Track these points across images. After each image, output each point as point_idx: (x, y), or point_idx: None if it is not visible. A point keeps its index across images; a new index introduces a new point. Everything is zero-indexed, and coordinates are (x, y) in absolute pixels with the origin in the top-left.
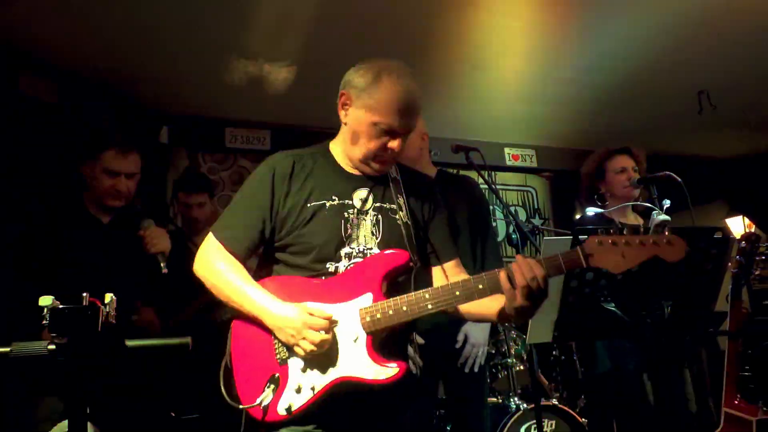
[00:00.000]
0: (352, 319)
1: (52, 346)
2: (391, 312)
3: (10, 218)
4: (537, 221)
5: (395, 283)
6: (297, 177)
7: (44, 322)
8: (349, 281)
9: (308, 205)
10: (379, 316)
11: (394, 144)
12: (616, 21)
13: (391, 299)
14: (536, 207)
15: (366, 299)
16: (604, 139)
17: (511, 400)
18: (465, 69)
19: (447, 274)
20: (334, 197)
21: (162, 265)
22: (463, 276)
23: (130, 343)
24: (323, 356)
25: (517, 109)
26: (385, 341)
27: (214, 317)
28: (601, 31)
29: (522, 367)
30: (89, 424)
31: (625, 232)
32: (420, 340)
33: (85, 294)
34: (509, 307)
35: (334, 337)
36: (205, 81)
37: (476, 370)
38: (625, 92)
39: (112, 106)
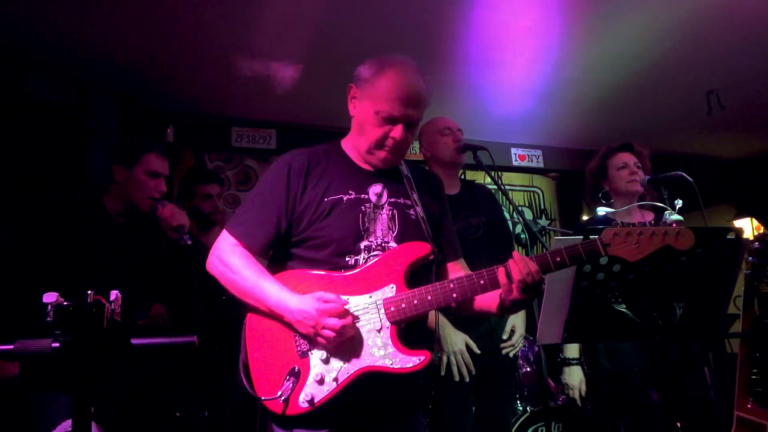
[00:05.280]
0: (376, 310)
1: (56, 344)
2: (416, 301)
3: (15, 217)
4: (543, 222)
5: (415, 276)
6: (312, 173)
7: (48, 319)
8: (372, 273)
9: (325, 199)
10: (404, 305)
11: (396, 133)
12: (624, 20)
13: (415, 289)
14: (542, 207)
15: (390, 290)
16: (611, 140)
17: (518, 402)
18: (472, 68)
19: (452, 272)
20: (350, 191)
21: (185, 237)
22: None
23: (135, 341)
24: (347, 348)
25: (524, 108)
26: (407, 332)
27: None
28: (609, 31)
29: (528, 369)
30: (93, 424)
31: (639, 224)
32: (477, 349)
33: (89, 291)
34: (506, 299)
35: (357, 328)
36: (211, 80)
37: (512, 356)
38: (633, 92)
39: (118, 105)
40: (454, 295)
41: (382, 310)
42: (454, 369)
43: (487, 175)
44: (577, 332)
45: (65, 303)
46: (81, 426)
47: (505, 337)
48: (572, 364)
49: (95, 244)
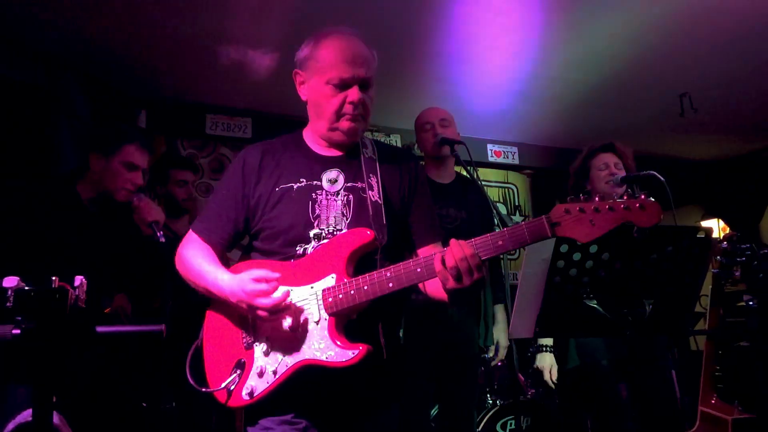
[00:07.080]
0: (315, 301)
1: (17, 331)
2: (352, 292)
3: None
4: (517, 218)
5: (365, 264)
6: (266, 166)
7: (8, 304)
8: (314, 263)
9: (276, 189)
10: (341, 296)
11: (353, 96)
12: (601, 20)
13: (353, 279)
14: (517, 204)
15: (330, 280)
16: (585, 138)
17: (488, 395)
18: (450, 64)
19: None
20: (301, 179)
21: (159, 234)
22: None
23: (101, 329)
24: (287, 340)
25: (501, 105)
26: (352, 325)
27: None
28: (586, 30)
29: (499, 363)
30: (55, 414)
31: (597, 198)
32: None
33: (54, 277)
34: (444, 288)
35: (297, 320)
36: (186, 65)
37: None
38: (608, 92)
39: (88, 86)
40: (390, 285)
41: (321, 301)
42: None
43: (463, 169)
44: (550, 327)
45: (27, 288)
46: (42, 416)
47: (489, 355)
48: (544, 351)
49: (63, 231)
